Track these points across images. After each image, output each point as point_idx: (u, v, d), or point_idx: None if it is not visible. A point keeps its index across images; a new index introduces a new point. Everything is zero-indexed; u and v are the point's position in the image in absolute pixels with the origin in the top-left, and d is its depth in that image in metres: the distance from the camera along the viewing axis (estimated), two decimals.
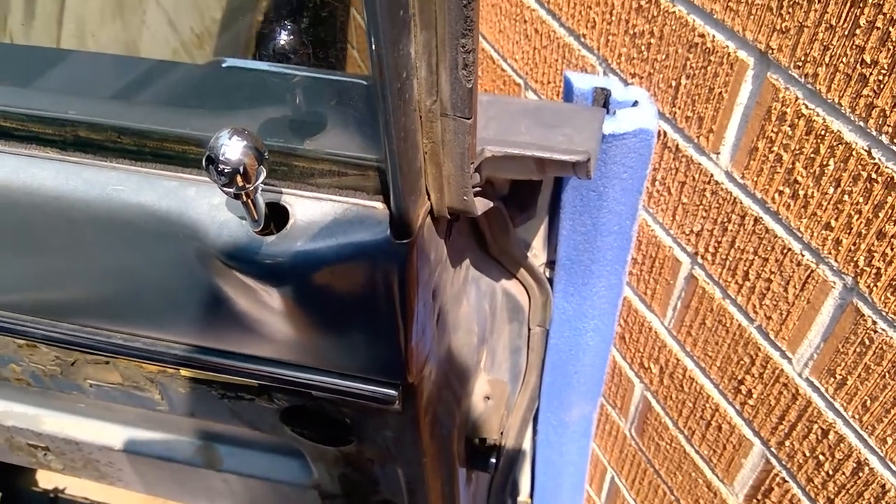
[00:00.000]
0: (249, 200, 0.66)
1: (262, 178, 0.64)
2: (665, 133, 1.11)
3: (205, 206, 0.72)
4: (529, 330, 1.40)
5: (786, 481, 1.10)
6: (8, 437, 1.29)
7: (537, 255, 1.28)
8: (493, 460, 1.22)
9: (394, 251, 0.70)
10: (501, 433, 1.22)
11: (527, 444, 1.73)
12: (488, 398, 1.21)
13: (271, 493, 1.19)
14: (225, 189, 0.63)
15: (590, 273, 1.26)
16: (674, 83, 1.06)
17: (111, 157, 0.78)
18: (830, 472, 1.01)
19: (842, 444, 0.98)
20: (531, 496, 1.82)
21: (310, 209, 0.72)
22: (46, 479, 2.22)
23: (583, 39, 1.22)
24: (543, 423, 1.61)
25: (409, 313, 0.76)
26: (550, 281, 1.31)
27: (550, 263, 1.32)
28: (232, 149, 0.61)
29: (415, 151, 0.65)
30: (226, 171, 0.62)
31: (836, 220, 0.88)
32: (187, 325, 0.86)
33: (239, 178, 0.62)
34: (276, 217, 0.72)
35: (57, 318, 0.93)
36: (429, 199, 0.73)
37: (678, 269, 1.19)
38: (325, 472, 1.11)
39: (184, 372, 0.97)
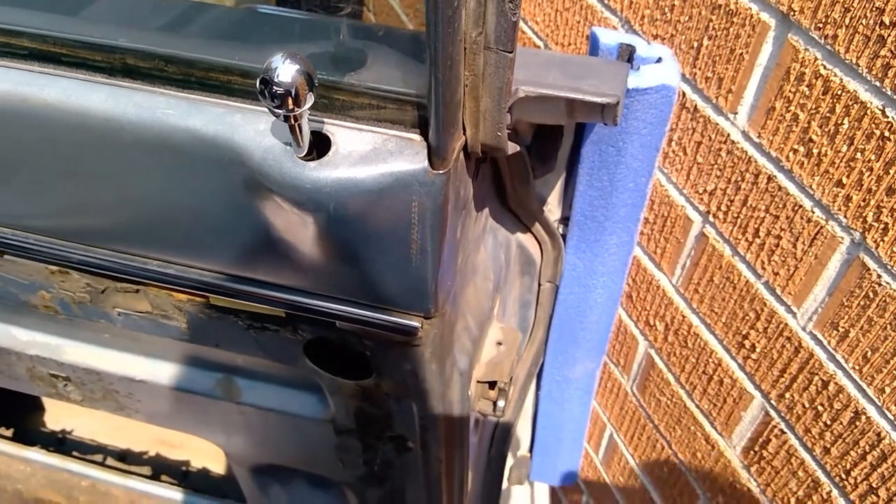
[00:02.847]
0: (297, 124, 0.69)
1: (310, 103, 0.67)
2: (683, 94, 1.14)
3: (251, 131, 0.75)
4: (540, 285, 1.44)
5: (784, 432, 1.15)
6: (30, 366, 1.33)
7: (552, 210, 1.31)
8: (502, 403, 1.26)
9: (430, 181, 0.73)
10: (510, 379, 1.26)
11: (529, 400, 1.78)
12: (500, 344, 1.26)
13: (287, 426, 1.23)
14: (275, 110, 0.66)
15: (602, 230, 1.29)
16: (695, 44, 1.09)
17: (158, 84, 0.81)
18: (828, 422, 1.06)
19: (841, 395, 1.02)
20: (530, 450, 1.87)
21: (350, 138, 0.75)
22: (54, 421, 2.26)
23: (605, 1, 1.25)
24: (547, 379, 1.66)
25: (440, 244, 0.80)
26: (563, 237, 1.35)
27: (564, 220, 1.35)
28: (285, 71, 0.64)
29: (457, 83, 0.69)
30: (278, 92, 0.65)
31: (848, 177, 0.92)
32: (222, 252, 0.89)
33: (290, 101, 0.66)
34: (319, 144, 0.75)
35: (93, 243, 0.96)
36: (464, 133, 0.76)
37: (689, 227, 1.23)
38: (342, 406, 1.15)
39: (213, 300, 1.00)
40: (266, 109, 0.78)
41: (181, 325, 1.08)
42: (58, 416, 2.24)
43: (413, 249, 0.80)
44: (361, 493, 1.40)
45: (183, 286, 0.97)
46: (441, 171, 0.73)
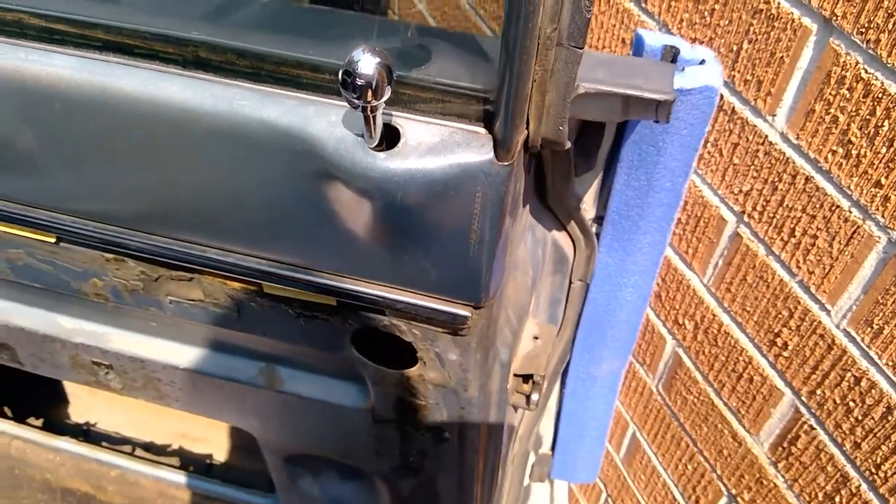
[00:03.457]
0: (372, 116, 0.73)
1: (388, 95, 0.70)
2: (722, 96, 1.18)
3: (323, 122, 0.78)
4: (570, 283, 1.47)
5: (813, 428, 1.18)
6: (74, 354, 1.36)
7: (587, 209, 1.35)
8: (536, 397, 1.29)
9: (495, 172, 0.76)
10: (543, 375, 1.29)
11: (553, 398, 1.81)
12: (537, 338, 1.29)
13: (325, 416, 1.26)
14: (354, 101, 0.69)
15: (636, 229, 1.32)
16: (735, 48, 1.12)
17: (229, 77, 0.84)
18: (859, 418, 1.08)
19: (873, 391, 1.05)
20: (552, 448, 1.90)
21: (419, 130, 0.79)
22: (78, 414, 2.29)
23: (643, 5, 1.28)
24: (573, 377, 1.69)
25: (497, 235, 0.83)
26: (597, 236, 1.38)
27: (598, 219, 1.38)
28: (367, 64, 0.68)
29: (527, 77, 0.72)
30: (360, 84, 0.68)
31: (887, 177, 0.95)
32: (282, 241, 0.92)
33: (370, 93, 0.69)
34: (389, 136, 0.78)
35: (153, 231, 0.99)
36: (527, 127, 0.79)
37: (723, 227, 1.26)
38: (383, 395, 1.18)
39: (266, 288, 1.03)
40: (337, 102, 0.81)
41: (232, 314, 1.11)
42: (82, 409, 2.26)
43: (472, 239, 0.83)
44: (394, 485, 1.43)
45: (239, 274, 1.00)
46: (506, 163, 0.76)
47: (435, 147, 0.77)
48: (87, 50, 0.87)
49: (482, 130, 0.79)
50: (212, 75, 0.84)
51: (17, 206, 1.03)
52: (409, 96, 0.80)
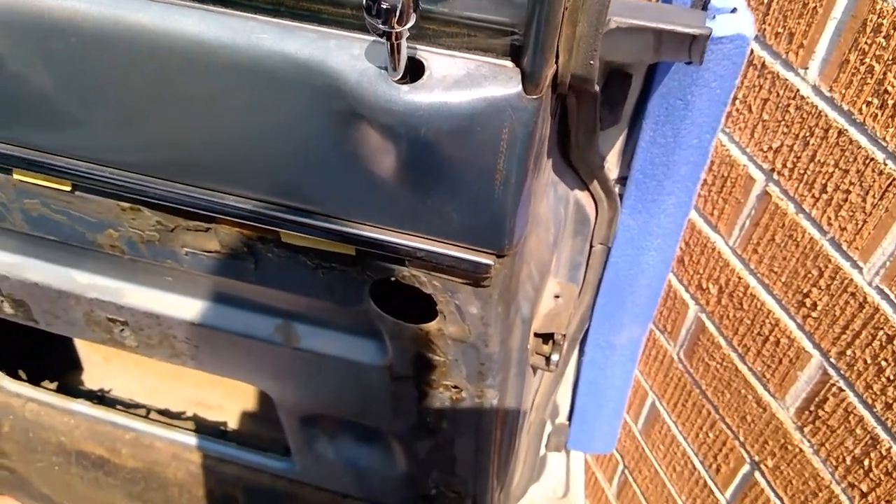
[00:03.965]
0: (396, 44, 0.70)
1: (412, 22, 0.68)
2: (752, 51, 1.14)
3: (345, 55, 0.76)
4: (591, 247, 1.44)
5: (842, 390, 1.15)
6: (88, 310, 1.35)
7: (610, 169, 1.32)
8: (556, 357, 1.27)
9: (523, 106, 0.74)
10: (564, 335, 1.27)
11: (571, 366, 1.78)
12: (558, 297, 1.26)
13: (343, 373, 1.24)
14: (379, 26, 0.67)
15: (661, 189, 1.29)
16: (766, 0, 1.08)
17: (247, 11, 0.82)
18: (891, 377, 1.05)
19: None
20: (569, 418, 1.88)
21: (444, 64, 0.76)
22: (92, 381, 2.29)
23: None
24: (591, 345, 1.66)
25: (524, 175, 0.81)
26: (620, 197, 1.35)
27: (621, 180, 1.35)
28: None
29: (558, 6, 0.69)
30: (385, 7, 0.65)
31: None
32: (301, 183, 0.90)
33: (394, 18, 0.66)
34: (413, 69, 0.76)
35: (169, 177, 0.97)
36: (556, 62, 0.77)
37: (751, 187, 1.23)
38: (401, 352, 1.16)
39: (284, 237, 1.01)
40: (359, 36, 0.79)
41: (248, 266, 1.10)
42: (96, 376, 2.26)
43: (497, 179, 0.80)
44: (410, 447, 1.41)
45: (256, 222, 0.98)
46: (534, 97, 0.74)
47: (461, 80, 0.74)
48: None
49: (509, 64, 0.76)
50: (228, 9, 0.81)
51: (31, 153, 1.01)
52: (434, 31, 0.78)
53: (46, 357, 2.14)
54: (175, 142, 0.92)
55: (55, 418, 1.81)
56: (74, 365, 2.27)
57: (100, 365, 2.27)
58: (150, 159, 0.96)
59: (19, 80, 0.91)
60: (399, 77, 0.74)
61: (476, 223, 0.87)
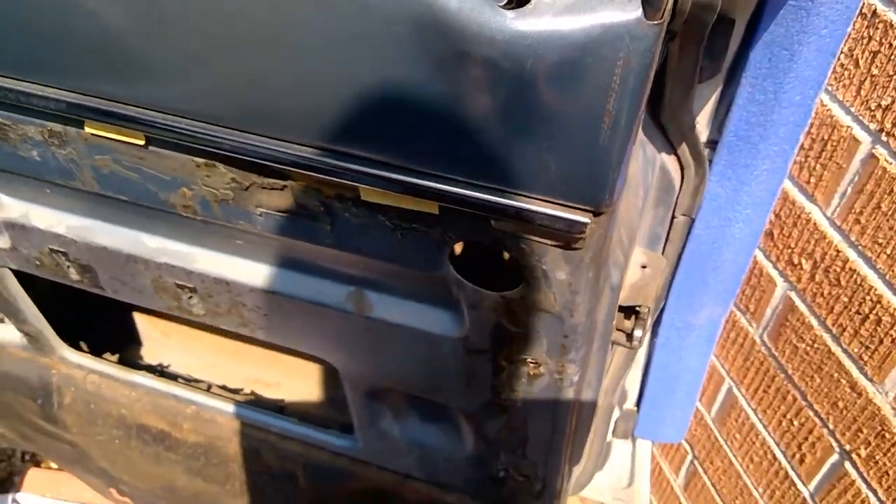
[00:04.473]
0: None
1: None
2: None
3: None
4: (674, 217, 1.37)
5: None
6: (157, 276, 1.32)
7: (700, 131, 1.24)
8: (639, 333, 1.20)
9: (643, 34, 0.67)
10: (650, 308, 1.20)
11: (642, 349, 1.71)
12: (644, 267, 1.19)
13: (416, 345, 1.19)
14: None
15: (755, 152, 1.21)
16: None
17: None
18: None
19: None
20: (637, 404, 1.81)
21: None
22: (151, 355, 2.29)
23: None
24: (666, 325, 1.59)
25: (633, 117, 0.74)
26: (709, 163, 1.27)
27: (711, 143, 1.28)
28: None
29: None
30: None
31: None
32: (386, 131, 0.85)
33: None
34: None
35: (247, 127, 0.93)
36: None
37: (855, 150, 1.14)
38: (478, 322, 1.10)
39: (364, 194, 0.96)
40: None
41: (324, 226, 1.05)
42: (154, 351, 2.26)
43: (605, 122, 0.74)
44: (480, 426, 1.36)
45: (335, 175, 0.93)
46: (655, 23, 0.67)
47: (574, 4, 0.68)
48: None
49: None
50: None
51: (104, 102, 0.98)
52: None
53: (105, 331, 2.14)
54: (254, 85, 0.87)
55: (116, 390, 1.80)
56: (132, 340, 2.27)
57: (158, 340, 2.26)
58: (228, 107, 0.92)
59: (93, 19, 0.87)
60: (505, 2, 0.69)
61: (575, 174, 0.80)
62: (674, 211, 1.35)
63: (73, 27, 0.90)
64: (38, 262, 1.43)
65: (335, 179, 0.94)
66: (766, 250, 1.41)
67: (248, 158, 0.96)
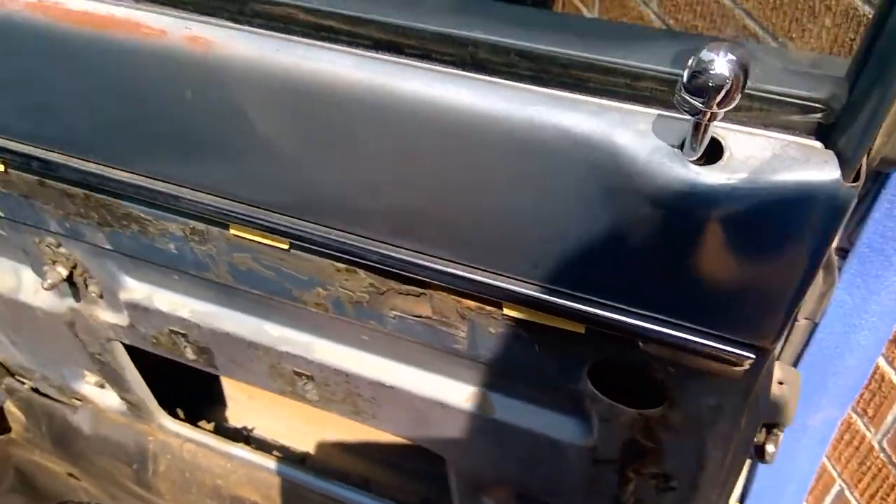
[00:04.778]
0: (705, 126, 0.64)
1: (736, 102, 0.61)
2: None
3: (632, 131, 0.71)
4: (795, 320, 1.33)
5: None
6: (275, 362, 1.33)
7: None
8: (772, 449, 1.16)
9: (840, 194, 0.66)
10: (784, 426, 1.16)
11: None
12: (782, 383, 1.16)
13: (538, 449, 1.17)
14: (698, 106, 0.61)
15: (888, 265, 1.18)
16: None
17: (510, 79, 0.78)
18: None
19: None
20: (741, 500, 1.74)
21: (744, 143, 0.70)
22: (236, 418, 2.30)
23: None
24: None
25: (815, 268, 0.73)
26: (838, 270, 1.24)
27: (841, 251, 1.25)
28: (723, 64, 0.59)
29: (890, 88, 0.62)
30: (710, 86, 0.60)
31: None
32: (550, 260, 0.84)
33: (716, 98, 0.60)
34: (710, 148, 0.69)
35: (397, 241, 0.94)
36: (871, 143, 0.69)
37: None
38: (610, 435, 1.08)
39: (507, 310, 0.96)
40: (640, 109, 0.73)
41: (459, 334, 1.05)
42: (239, 413, 2.28)
43: (790, 272, 0.73)
44: None
45: (484, 293, 0.93)
46: (852, 185, 0.66)
47: (768, 162, 0.67)
48: (359, 48, 0.82)
49: (818, 145, 0.69)
50: (492, 77, 0.78)
51: (254, 210, 1.00)
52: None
53: (193, 393, 2.16)
54: (416, 209, 0.88)
55: (212, 460, 1.82)
56: (218, 400, 2.29)
57: (244, 403, 2.28)
58: (381, 223, 0.93)
59: (263, 140, 0.90)
60: (696, 158, 0.68)
61: (750, 314, 0.79)
62: (797, 314, 1.32)
63: (243, 147, 0.92)
64: (154, 341, 1.46)
65: (481, 296, 0.95)
66: (889, 357, 1.37)
67: (392, 270, 0.97)
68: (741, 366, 0.85)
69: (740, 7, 1.38)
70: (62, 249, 1.32)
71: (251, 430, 2.23)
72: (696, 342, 0.85)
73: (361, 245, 0.97)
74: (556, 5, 2.35)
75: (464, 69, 0.80)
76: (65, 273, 1.34)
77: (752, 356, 0.83)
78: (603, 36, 0.81)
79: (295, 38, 0.83)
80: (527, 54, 0.78)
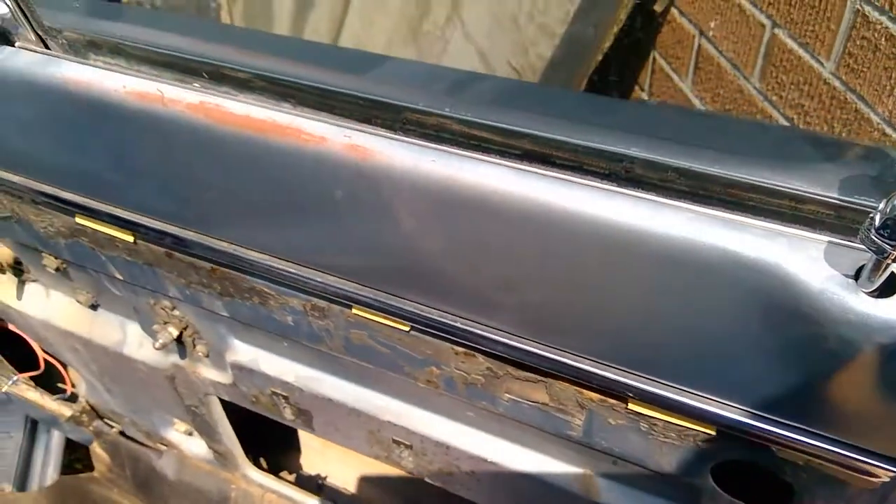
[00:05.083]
0: (887, 263, 0.64)
1: None
2: None
3: (803, 258, 0.71)
4: None
5: None
6: (375, 430, 1.35)
7: None
8: None
9: None
10: None
11: None
12: None
13: None
14: (886, 246, 0.61)
15: None
16: None
17: (659, 195, 0.78)
18: None
19: None
20: None
21: None
22: (310, 465, 2.33)
23: None
24: None
25: None
26: None
27: None
28: None
29: None
30: None
31: None
32: (694, 371, 0.85)
33: None
34: (887, 280, 0.69)
35: (530, 337, 0.95)
36: None
37: None
38: None
39: (633, 405, 0.96)
40: (808, 234, 0.74)
41: (575, 422, 1.05)
42: (314, 461, 2.29)
43: None
44: None
45: (609, 388, 0.93)
46: None
47: None
48: (510, 158, 0.84)
49: None
50: (646, 193, 0.79)
51: (379, 293, 1.03)
52: None
53: (272, 438, 2.19)
54: (557, 311, 0.89)
55: None
56: (293, 445, 2.32)
57: (317, 449, 2.30)
58: (517, 319, 0.94)
59: (407, 238, 0.92)
60: (871, 290, 0.68)
61: (886, 431, 0.78)
62: None
63: (386, 243, 0.94)
64: (253, 400, 1.49)
65: (605, 390, 0.95)
66: None
67: (515, 360, 0.98)
68: (879, 477, 0.84)
69: (853, 91, 1.37)
70: (176, 312, 1.36)
71: (324, 479, 2.25)
72: (838, 452, 0.84)
73: (485, 333, 0.98)
74: (648, 76, 2.36)
75: (618, 184, 0.81)
76: (175, 333, 1.38)
77: (894, 471, 0.82)
78: (755, 144, 0.82)
79: (446, 146, 0.86)
80: (684, 172, 0.79)
